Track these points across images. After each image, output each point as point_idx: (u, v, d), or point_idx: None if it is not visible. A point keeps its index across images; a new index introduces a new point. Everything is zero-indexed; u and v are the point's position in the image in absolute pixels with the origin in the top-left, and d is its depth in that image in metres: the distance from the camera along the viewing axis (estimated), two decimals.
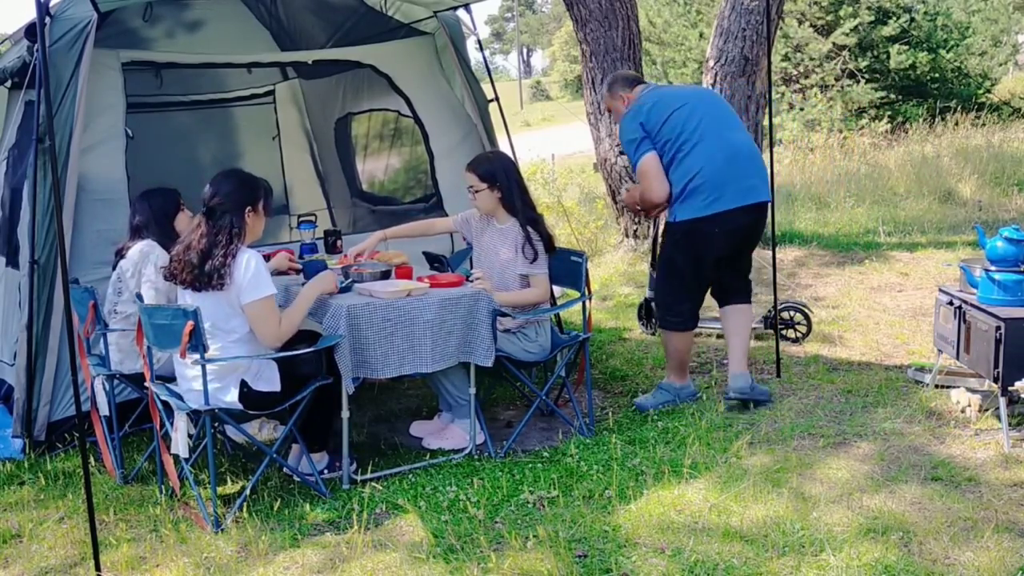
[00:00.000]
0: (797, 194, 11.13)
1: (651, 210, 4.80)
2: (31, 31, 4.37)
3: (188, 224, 4.30)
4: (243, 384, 3.81)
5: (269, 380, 3.88)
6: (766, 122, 8.14)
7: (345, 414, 4.03)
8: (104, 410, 4.28)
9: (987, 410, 4.33)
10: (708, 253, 4.62)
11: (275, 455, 3.95)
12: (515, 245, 4.42)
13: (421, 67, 6.04)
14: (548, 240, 4.45)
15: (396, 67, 5.99)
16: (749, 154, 4.65)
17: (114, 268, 4.39)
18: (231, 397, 3.79)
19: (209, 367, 3.68)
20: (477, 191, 4.46)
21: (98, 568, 3.35)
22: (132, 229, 4.40)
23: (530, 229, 4.40)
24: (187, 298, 3.83)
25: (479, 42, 6.22)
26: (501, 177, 4.42)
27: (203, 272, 3.73)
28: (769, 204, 4.72)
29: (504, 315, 4.33)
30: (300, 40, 6.74)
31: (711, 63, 8.26)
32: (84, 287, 4.31)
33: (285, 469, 4.16)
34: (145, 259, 4.26)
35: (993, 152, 12.57)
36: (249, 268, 3.73)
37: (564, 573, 3.16)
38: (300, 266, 4.66)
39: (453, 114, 6.05)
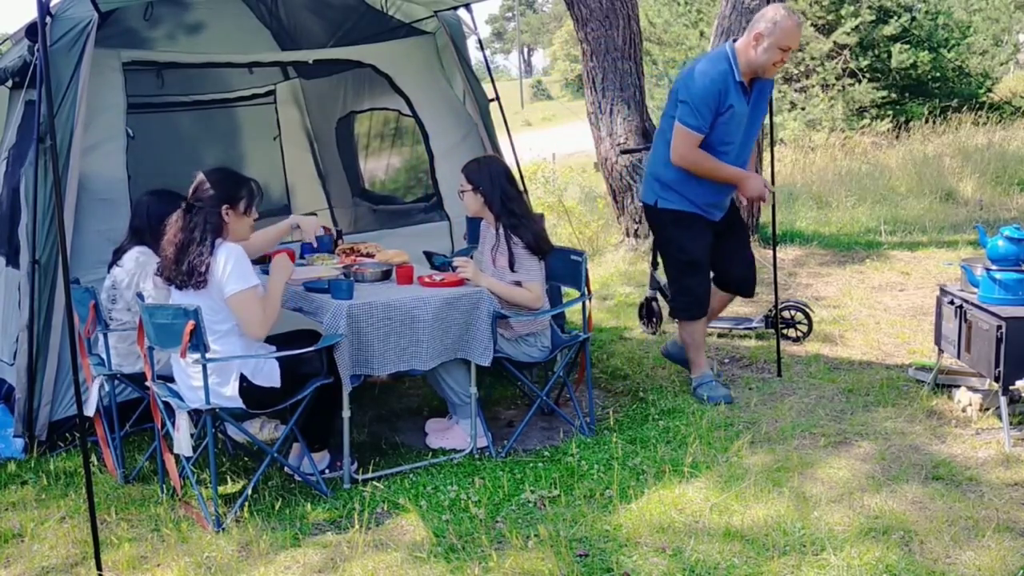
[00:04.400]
0: (798, 193, 11.13)
1: None
2: (32, 31, 4.37)
3: None
4: (242, 378, 3.81)
5: (269, 375, 3.88)
6: (767, 121, 8.15)
7: (346, 413, 4.03)
8: (90, 411, 4.24)
9: (988, 409, 4.33)
10: None
11: (276, 454, 3.96)
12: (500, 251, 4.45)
13: (421, 67, 6.04)
14: (534, 243, 4.39)
15: (396, 67, 5.99)
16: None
17: (109, 269, 4.38)
18: (230, 391, 3.80)
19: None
20: (463, 191, 4.53)
21: (99, 567, 3.35)
22: (130, 229, 4.40)
23: (510, 232, 4.39)
24: (176, 297, 3.85)
25: (480, 41, 6.22)
26: (485, 182, 4.45)
27: (180, 270, 3.74)
28: (645, 206, 4.91)
29: (504, 317, 4.32)
30: (301, 40, 6.75)
31: None
32: (84, 287, 4.31)
33: (286, 468, 4.16)
34: (142, 270, 4.24)
35: (994, 151, 12.57)
36: (228, 262, 3.73)
37: (565, 572, 3.16)
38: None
39: (454, 114, 6.05)
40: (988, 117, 15.66)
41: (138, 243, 4.32)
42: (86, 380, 4.27)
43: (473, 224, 5.11)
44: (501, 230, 4.43)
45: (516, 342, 4.45)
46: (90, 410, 4.23)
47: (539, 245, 4.41)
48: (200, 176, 3.87)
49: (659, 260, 6.39)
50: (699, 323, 4.89)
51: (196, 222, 3.76)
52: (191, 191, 3.85)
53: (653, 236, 5.15)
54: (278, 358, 3.89)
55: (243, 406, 3.84)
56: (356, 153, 7.21)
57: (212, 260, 3.72)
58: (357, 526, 3.57)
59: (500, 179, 4.49)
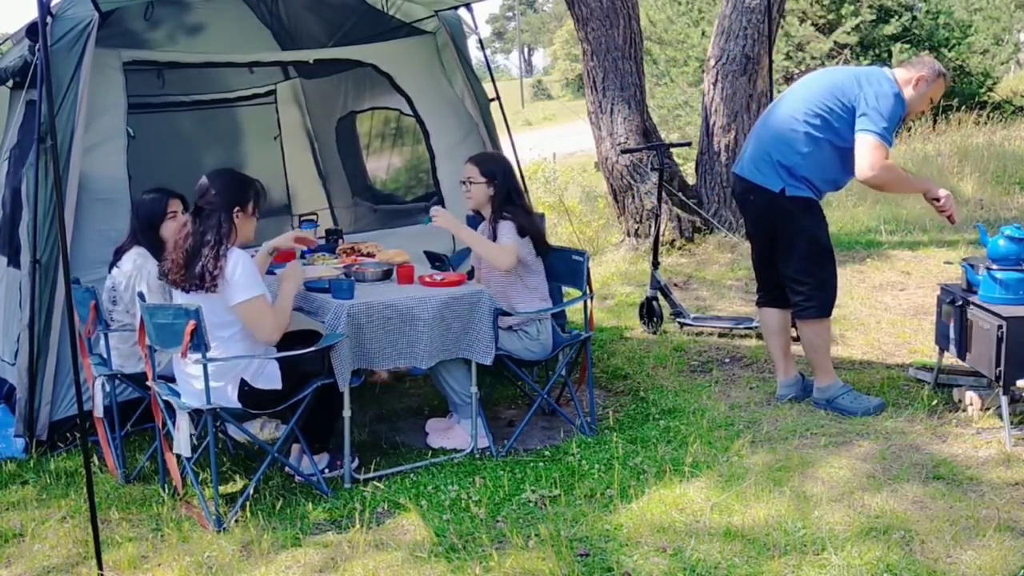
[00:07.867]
0: None
1: None
2: (32, 30, 4.37)
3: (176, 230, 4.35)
4: (243, 383, 3.81)
5: (269, 378, 3.88)
6: None
7: (347, 413, 4.03)
8: (100, 412, 4.27)
9: (989, 409, 4.33)
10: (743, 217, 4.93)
11: (277, 454, 3.96)
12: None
13: (422, 66, 6.05)
14: (524, 224, 4.43)
15: (397, 66, 5.99)
16: (759, 128, 4.63)
17: (110, 269, 4.39)
18: (229, 393, 3.79)
19: (208, 366, 3.68)
20: (474, 183, 4.51)
21: (100, 567, 3.35)
22: (130, 230, 4.42)
23: (499, 219, 4.44)
24: (179, 299, 3.84)
25: (480, 41, 6.22)
26: (500, 175, 4.50)
27: (192, 273, 3.71)
28: (754, 187, 4.52)
29: (506, 314, 4.33)
30: (301, 39, 6.75)
31: (712, 62, 8.25)
32: (85, 287, 4.32)
33: (287, 468, 4.16)
34: (139, 272, 4.25)
35: (994, 151, 12.54)
36: (236, 270, 3.71)
37: (566, 572, 3.16)
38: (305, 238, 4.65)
39: (454, 113, 6.05)
40: (989, 116, 15.64)
41: (135, 244, 4.33)
42: (87, 380, 4.28)
43: (474, 223, 5.12)
44: (494, 221, 4.47)
45: (517, 334, 4.45)
46: (98, 411, 4.24)
47: (525, 229, 4.44)
48: (205, 180, 3.83)
49: (659, 259, 6.41)
50: (829, 321, 4.69)
51: (208, 226, 3.73)
52: (198, 195, 3.81)
53: (771, 228, 4.57)
54: (278, 359, 3.89)
55: (243, 408, 3.84)
56: (357, 153, 7.21)
57: (225, 264, 3.70)
58: (358, 526, 3.57)
59: (512, 175, 4.60)
